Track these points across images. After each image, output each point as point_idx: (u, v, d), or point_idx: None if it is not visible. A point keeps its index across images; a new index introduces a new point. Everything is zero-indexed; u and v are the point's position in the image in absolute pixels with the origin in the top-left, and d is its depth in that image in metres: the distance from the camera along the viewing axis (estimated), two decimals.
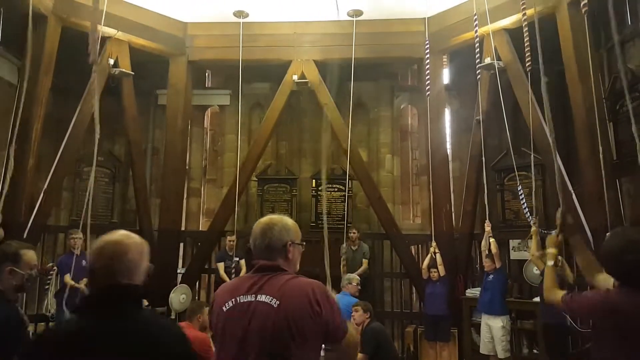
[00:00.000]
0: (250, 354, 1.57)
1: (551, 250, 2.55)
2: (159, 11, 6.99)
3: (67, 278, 5.36)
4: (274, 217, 1.81)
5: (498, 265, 5.63)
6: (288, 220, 1.79)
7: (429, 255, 6.23)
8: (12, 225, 5.63)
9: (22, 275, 2.09)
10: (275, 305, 1.59)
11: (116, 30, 6.57)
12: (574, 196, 5.56)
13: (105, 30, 6.19)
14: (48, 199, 6.20)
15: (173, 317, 6.56)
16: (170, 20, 7.16)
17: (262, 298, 1.61)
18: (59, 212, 7.50)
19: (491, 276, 5.62)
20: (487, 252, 5.75)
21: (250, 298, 1.63)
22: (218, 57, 7.46)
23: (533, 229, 5.03)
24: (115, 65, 6.76)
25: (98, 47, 4.92)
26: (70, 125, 6.42)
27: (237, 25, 6.99)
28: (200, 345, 3.61)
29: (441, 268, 6.05)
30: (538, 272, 5.36)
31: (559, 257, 4.91)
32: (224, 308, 1.65)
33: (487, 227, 5.82)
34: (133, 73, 6.96)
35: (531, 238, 5.10)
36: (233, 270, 6.56)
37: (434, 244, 6.23)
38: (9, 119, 6.20)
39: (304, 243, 1.82)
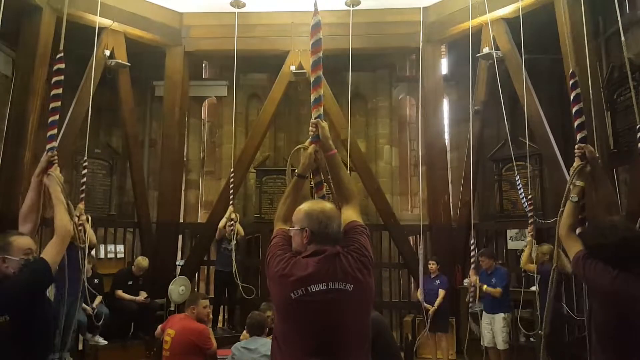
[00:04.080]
0: (331, 343, 1.63)
1: (579, 183, 2.34)
2: (155, 1, 6.92)
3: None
4: (326, 202, 1.91)
5: (498, 294, 5.51)
6: None
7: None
8: (9, 218, 5.63)
9: (17, 262, 2.09)
10: (350, 290, 1.66)
11: (112, 21, 6.50)
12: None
13: (101, 21, 6.13)
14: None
15: (172, 308, 6.59)
16: (166, 10, 7.10)
17: (336, 285, 1.66)
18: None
19: (493, 280, 5.55)
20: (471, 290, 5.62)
21: (322, 287, 1.64)
22: (215, 48, 7.40)
23: (528, 238, 5.08)
24: (111, 56, 6.71)
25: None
26: (66, 117, 6.39)
27: (233, 15, 6.92)
28: (200, 336, 3.64)
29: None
30: (532, 273, 5.40)
31: (555, 249, 4.97)
32: (293, 295, 1.64)
33: (472, 277, 5.58)
34: (129, 64, 6.91)
35: (529, 227, 5.14)
36: (227, 253, 6.50)
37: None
38: (4, 111, 6.18)
39: None
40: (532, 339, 6.04)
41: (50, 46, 6.11)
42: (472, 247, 5.71)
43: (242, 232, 6.72)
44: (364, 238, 1.81)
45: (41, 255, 2.15)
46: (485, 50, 6.29)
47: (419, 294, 6.16)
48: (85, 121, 6.04)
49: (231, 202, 6.61)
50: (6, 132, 6.02)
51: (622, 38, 3.80)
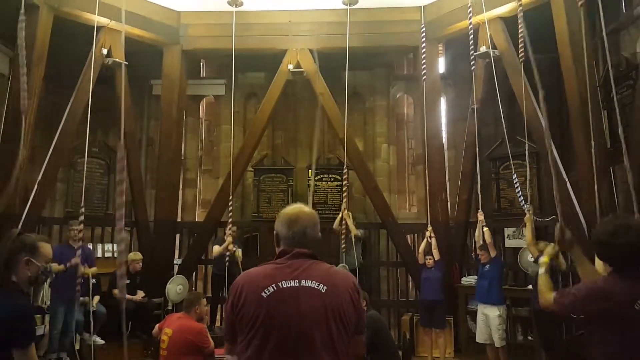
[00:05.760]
0: (300, 338, 1.56)
1: (544, 259, 2.45)
2: (153, 0, 6.90)
3: (56, 266, 5.26)
4: (307, 207, 1.84)
5: (493, 254, 5.64)
6: None
7: (425, 240, 6.26)
8: (7, 217, 5.61)
9: (38, 267, 2.08)
10: (323, 290, 1.60)
11: (109, 20, 6.48)
12: (568, 185, 5.60)
13: (99, 19, 6.11)
14: (42, 191, 6.16)
15: (170, 307, 6.58)
16: (163, 9, 7.08)
17: (308, 283, 1.61)
18: (54, 203, 7.47)
19: (487, 266, 5.63)
20: (481, 243, 5.77)
21: (294, 283, 1.60)
22: (212, 47, 7.38)
23: (527, 216, 5.07)
24: (109, 55, 6.68)
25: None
26: (63, 116, 6.37)
27: (231, 14, 6.91)
28: (198, 335, 3.64)
29: (436, 252, 6.07)
30: (533, 259, 5.41)
31: (552, 244, 4.99)
32: (264, 294, 1.58)
33: (480, 216, 5.81)
34: (127, 63, 6.89)
35: (525, 226, 5.15)
36: (227, 260, 6.56)
37: (429, 228, 6.26)
38: (1, 110, 6.15)
39: None
40: (529, 337, 6.07)
41: (48, 45, 6.10)
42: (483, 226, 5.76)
43: (240, 256, 6.69)
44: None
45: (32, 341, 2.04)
46: (483, 49, 6.30)
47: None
48: (83, 119, 6.02)
49: (230, 231, 6.58)
50: (3, 130, 6.00)
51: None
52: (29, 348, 1.95)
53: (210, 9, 7.08)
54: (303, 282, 1.61)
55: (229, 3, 6.85)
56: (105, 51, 6.63)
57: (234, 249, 6.60)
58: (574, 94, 5.52)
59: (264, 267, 1.69)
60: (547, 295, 2.21)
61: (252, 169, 7.98)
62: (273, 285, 1.59)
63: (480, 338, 5.65)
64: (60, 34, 6.19)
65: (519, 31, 5.51)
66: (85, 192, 5.87)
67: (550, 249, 2.53)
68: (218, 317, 7.17)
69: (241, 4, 6.90)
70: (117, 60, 6.71)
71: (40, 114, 6.25)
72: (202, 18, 7.23)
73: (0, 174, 5.81)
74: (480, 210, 5.86)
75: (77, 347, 5.80)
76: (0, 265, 2.03)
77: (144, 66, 7.66)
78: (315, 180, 7.58)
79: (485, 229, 5.70)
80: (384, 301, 7.32)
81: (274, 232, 1.76)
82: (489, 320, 5.54)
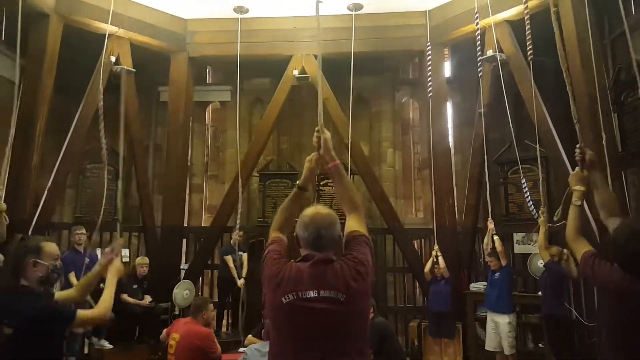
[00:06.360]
0: (316, 348, 1.60)
1: (578, 187, 2.39)
2: (159, 8, 6.98)
3: (72, 277, 5.36)
4: (326, 208, 1.85)
5: (504, 263, 5.54)
6: None
7: (432, 259, 6.10)
8: (17, 223, 5.66)
9: (46, 267, 2.14)
10: (342, 299, 1.62)
11: (117, 28, 6.56)
12: None
13: (106, 27, 6.19)
14: (52, 196, 6.23)
15: (177, 312, 6.59)
16: (170, 17, 7.15)
17: (327, 294, 1.62)
18: (63, 209, 7.53)
19: (497, 274, 5.54)
20: (489, 250, 5.69)
21: (313, 294, 1.61)
22: (218, 53, 7.43)
23: (541, 219, 4.97)
24: (117, 62, 6.76)
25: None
26: (73, 123, 6.44)
27: (237, 21, 6.96)
28: (205, 340, 3.64)
29: (445, 270, 5.93)
30: (543, 265, 5.34)
31: (565, 251, 4.92)
32: (284, 300, 1.63)
33: (490, 225, 5.72)
34: (134, 70, 6.96)
35: (538, 230, 5.07)
36: (234, 264, 6.60)
37: (436, 247, 6.11)
38: (12, 117, 6.23)
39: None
40: (540, 345, 5.97)
41: (58, 53, 6.18)
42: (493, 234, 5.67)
43: (246, 265, 6.77)
44: (363, 247, 1.79)
45: (78, 309, 2.17)
46: (489, 53, 6.27)
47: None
48: (92, 126, 6.08)
49: (237, 236, 6.68)
50: (14, 137, 6.07)
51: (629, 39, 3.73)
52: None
53: (216, 16, 7.14)
54: (322, 292, 1.62)
55: (235, 10, 6.90)
56: (113, 59, 6.70)
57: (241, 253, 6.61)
58: (583, 97, 5.46)
59: (289, 264, 1.71)
60: (578, 239, 2.22)
61: (258, 174, 7.99)
62: (293, 293, 1.62)
63: (489, 346, 5.57)
64: (69, 42, 6.27)
65: (526, 34, 5.49)
66: (93, 198, 5.93)
67: (576, 174, 2.45)
68: (224, 322, 7.16)
69: (247, 11, 6.95)
70: (125, 67, 6.79)
71: (50, 121, 6.32)
72: (208, 25, 7.29)
73: (12, 180, 5.88)
74: (490, 218, 5.77)
75: (85, 351, 5.83)
76: (8, 271, 2.07)
77: (151, 73, 7.74)
78: (320, 186, 7.57)
79: (495, 237, 5.59)
80: (390, 307, 7.25)
81: (294, 234, 1.79)
82: (498, 328, 5.46)
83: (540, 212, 5.08)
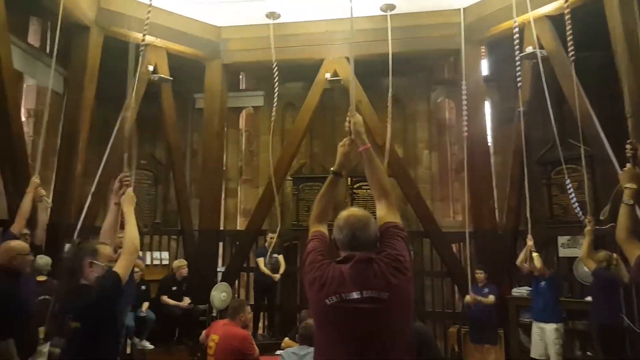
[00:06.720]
0: (361, 349, 1.60)
1: (630, 185, 2.29)
2: (194, 17, 7.15)
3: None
4: (360, 210, 1.86)
5: (547, 275, 5.30)
6: None
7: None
8: (63, 227, 5.93)
9: (102, 267, 2.28)
10: (385, 297, 1.61)
11: (154, 38, 6.76)
12: None
13: (144, 37, 6.37)
14: (95, 202, 6.47)
15: (215, 314, 6.69)
16: (204, 25, 7.31)
17: (369, 293, 1.61)
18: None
19: (543, 283, 5.30)
20: (525, 269, 5.37)
21: (356, 295, 1.61)
22: (251, 60, 7.53)
23: (588, 228, 4.70)
24: (155, 71, 6.96)
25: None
26: (114, 131, 6.67)
27: (269, 26, 7.02)
28: (243, 342, 3.66)
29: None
30: (589, 270, 5.08)
31: (614, 255, 4.66)
32: (328, 301, 1.62)
33: (530, 242, 5.36)
34: (172, 78, 7.15)
35: (584, 234, 4.83)
36: (269, 267, 6.66)
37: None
38: (58, 127, 6.54)
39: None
40: (589, 353, 5.68)
41: (99, 64, 6.43)
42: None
43: (283, 265, 6.86)
44: (397, 240, 1.75)
45: (113, 269, 2.26)
46: (529, 49, 6.05)
47: (470, 298, 5.83)
48: (132, 134, 6.29)
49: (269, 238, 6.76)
50: (60, 146, 6.37)
51: None
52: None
53: (249, 22, 7.23)
54: (365, 292, 1.61)
55: (267, 16, 6.97)
56: (151, 68, 6.91)
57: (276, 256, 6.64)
58: (633, 94, 5.17)
59: (332, 266, 1.70)
60: (630, 241, 2.15)
61: (291, 178, 8.03)
62: (336, 295, 1.62)
63: (535, 353, 5.33)
64: (108, 53, 6.51)
65: (567, 29, 5.26)
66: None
67: (628, 170, 2.36)
68: (261, 324, 7.21)
69: (278, 17, 7.01)
70: (163, 76, 6.98)
71: (92, 130, 6.58)
72: (241, 32, 7.41)
73: (58, 187, 6.17)
74: (530, 235, 5.39)
75: (127, 351, 6.00)
76: (67, 272, 2.22)
77: (187, 81, 7.93)
78: (354, 189, 7.52)
79: (535, 254, 5.27)
80: (428, 312, 7.10)
81: (332, 236, 1.79)
82: (544, 334, 5.23)
83: (586, 220, 4.82)
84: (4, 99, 5.14)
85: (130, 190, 2.62)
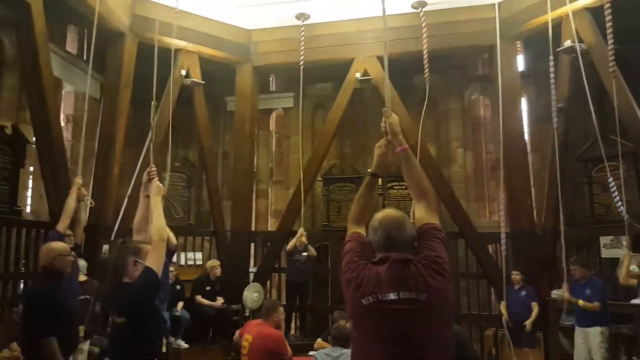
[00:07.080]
0: (398, 350, 1.59)
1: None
2: (225, 20, 7.24)
3: None
4: (395, 210, 1.86)
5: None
6: None
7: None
8: (101, 228, 6.12)
9: (144, 265, 2.34)
10: (423, 299, 1.60)
11: (186, 42, 6.89)
12: None
13: (177, 42, 6.51)
14: (132, 204, 6.63)
15: (247, 314, 6.75)
16: (235, 28, 7.40)
17: (407, 295, 1.60)
18: None
19: (588, 290, 4.99)
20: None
21: (393, 296, 1.60)
22: (282, 61, 7.56)
23: (626, 252, 4.54)
24: (187, 75, 7.10)
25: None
26: (148, 135, 6.82)
27: (299, 28, 7.04)
28: (277, 342, 3.67)
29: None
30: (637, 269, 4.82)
31: None
32: (364, 301, 1.62)
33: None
34: (204, 82, 7.27)
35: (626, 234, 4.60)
36: (299, 264, 6.67)
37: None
38: (95, 131, 6.76)
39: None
40: (634, 358, 5.40)
41: (133, 69, 6.61)
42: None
43: (314, 253, 6.80)
44: (436, 242, 1.72)
45: (146, 265, 2.32)
46: (567, 43, 5.82)
47: (503, 308, 5.75)
48: (166, 137, 6.42)
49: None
50: (97, 150, 6.59)
51: None
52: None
53: (279, 24, 7.27)
54: (402, 293, 1.60)
55: (297, 17, 6.99)
56: (184, 72, 7.05)
57: (306, 242, 6.67)
58: None
59: (368, 266, 1.70)
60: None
61: (322, 179, 8.01)
62: (373, 295, 1.62)
63: (578, 358, 5.10)
64: (144, 58, 6.67)
65: (607, 22, 5.02)
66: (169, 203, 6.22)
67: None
68: (292, 324, 7.23)
69: (308, 18, 7.01)
70: (195, 80, 7.11)
71: (128, 134, 6.76)
72: (271, 34, 7.45)
73: (96, 189, 6.37)
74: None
75: (163, 349, 6.13)
76: (111, 271, 2.30)
77: (218, 84, 8.04)
78: (386, 189, 7.43)
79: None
80: (464, 315, 6.92)
81: (367, 238, 1.79)
82: (588, 338, 4.98)
83: (624, 241, 4.58)
84: (45, 106, 5.36)
85: (156, 180, 2.70)
